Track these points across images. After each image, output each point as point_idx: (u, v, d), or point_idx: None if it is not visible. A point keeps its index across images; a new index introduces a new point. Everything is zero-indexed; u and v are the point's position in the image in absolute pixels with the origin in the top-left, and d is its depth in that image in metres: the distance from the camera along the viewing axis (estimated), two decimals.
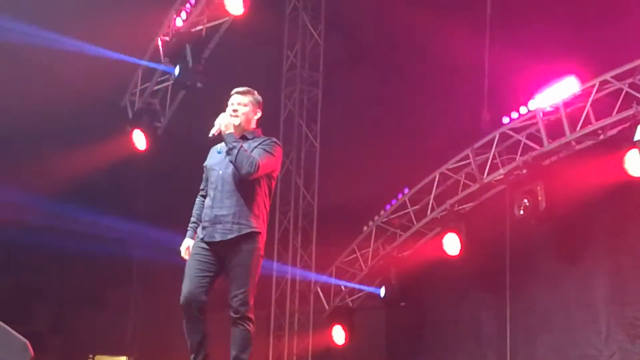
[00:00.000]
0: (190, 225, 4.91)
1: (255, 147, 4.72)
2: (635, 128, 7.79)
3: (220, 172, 4.74)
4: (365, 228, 11.28)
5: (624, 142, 8.15)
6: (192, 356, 4.68)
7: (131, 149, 11.93)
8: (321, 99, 12.14)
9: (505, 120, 9.43)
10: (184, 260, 4.83)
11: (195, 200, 4.98)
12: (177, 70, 10.68)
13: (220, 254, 4.72)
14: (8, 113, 10.34)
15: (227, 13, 10.12)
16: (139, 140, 11.87)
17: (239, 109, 4.80)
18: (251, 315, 4.70)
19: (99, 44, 10.66)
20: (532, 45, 8.90)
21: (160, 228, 10.63)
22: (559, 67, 8.82)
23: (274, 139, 4.93)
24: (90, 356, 14.26)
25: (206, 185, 4.87)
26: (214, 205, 4.74)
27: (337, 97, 12.08)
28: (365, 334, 11.55)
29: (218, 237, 4.67)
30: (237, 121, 4.76)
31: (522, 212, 9.12)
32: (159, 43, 11.53)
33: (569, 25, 8.56)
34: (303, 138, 12.12)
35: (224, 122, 4.69)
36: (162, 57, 11.57)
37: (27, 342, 2.29)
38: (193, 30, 10.74)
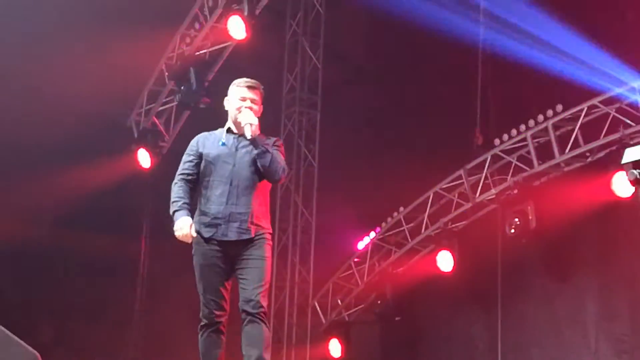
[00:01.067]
0: (182, 204, 4.24)
1: (271, 146, 4.37)
2: (622, 151, 7.80)
3: (235, 166, 4.29)
4: (361, 245, 11.28)
5: (611, 164, 8.19)
6: None
7: (136, 167, 11.98)
8: (319, 120, 12.19)
9: (497, 142, 9.49)
10: (189, 243, 4.24)
11: (177, 183, 4.33)
12: (181, 92, 10.78)
13: (230, 253, 4.29)
14: (17, 134, 10.36)
15: (230, 38, 10.19)
16: (144, 158, 11.93)
17: (254, 107, 4.39)
18: (266, 312, 4.23)
19: (106, 66, 10.71)
20: (524, 69, 8.92)
21: (162, 243, 10.65)
22: (549, 92, 8.88)
23: (280, 140, 4.62)
24: None
25: (196, 173, 4.34)
26: (229, 202, 4.26)
27: (335, 119, 12.10)
28: (360, 348, 11.53)
29: (233, 237, 4.24)
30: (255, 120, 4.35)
31: (513, 230, 9.15)
32: (164, 66, 11.60)
33: (560, 42, 8.56)
34: (302, 158, 12.13)
35: (255, 123, 4.29)
36: (166, 80, 11.64)
37: (37, 353, 2.29)
38: (197, 53, 10.83)
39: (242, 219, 4.24)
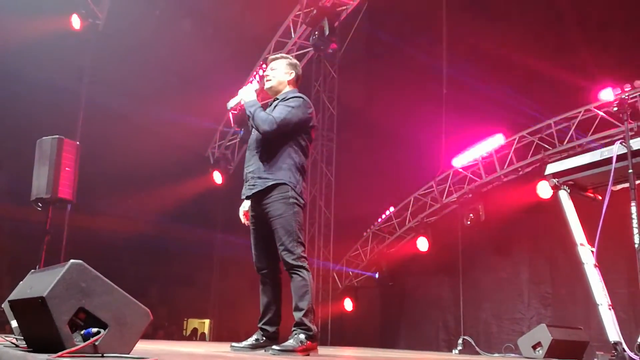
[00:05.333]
0: None
1: (278, 104, 3.55)
2: (544, 167, 7.64)
3: (254, 135, 3.63)
4: (365, 233, 11.19)
5: (536, 176, 8.05)
6: (259, 318, 3.62)
7: (212, 183, 12.00)
8: (335, 149, 12.16)
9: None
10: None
11: None
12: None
13: (256, 211, 3.54)
14: (138, 163, 10.44)
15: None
16: (217, 177, 11.95)
17: (270, 73, 3.71)
18: (301, 263, 3.36)
19: (191, 116, 10.77)
20: (476, 111, 8.83)
21: (231, 234, 10.65)
22: (493, 127, 8.78)
23: (299, 94, 3.62)
24: (185, 319, 14.16)
25: None
26: (246, 164, 3.62)
27: (345, 148, 12.07)
28: (365, 304, 11.41)
29: (247, 193, 3.54)
30: (269, 84, 3.68)
31: (469, 222, 9.03)
32: (230, 115, 11.62)
33: (500, 98, 8.47)
34: (323, 175, 12.11)
35: (244, 91, 3.62)
36: (232, 124, 11.66)
37: (148, 310, 2.22)
38: None
39: (251, 176, 3.53)
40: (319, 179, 12.10)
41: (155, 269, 12.04)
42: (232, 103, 3.70)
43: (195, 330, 13.93)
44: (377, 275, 10.98)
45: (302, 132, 3.56)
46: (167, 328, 12.56)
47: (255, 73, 10.72)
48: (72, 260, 2.18)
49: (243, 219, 3.76)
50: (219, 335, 12.44)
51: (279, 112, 3.48)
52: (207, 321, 14.12)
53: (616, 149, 3.68)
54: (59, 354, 1.89)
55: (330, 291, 11.68)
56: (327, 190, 12.09)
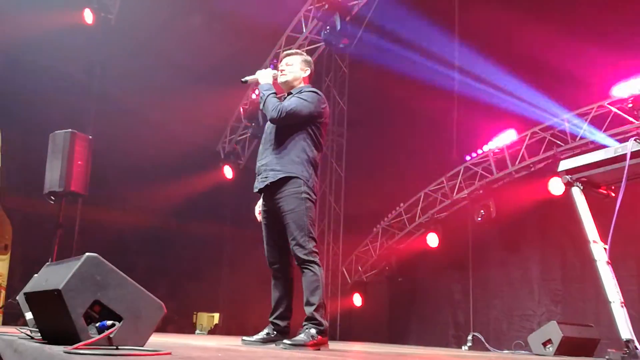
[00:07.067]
0: None
1: (292, 97, 3.55)
2: (556, 163, 7.58)
3: (268, 129, 3.64)
4: (374, 229, 11.18)
5: (548, 172, 8.01)
6: (271, 312, 3.64)
7: (222, 178, 12.03)
8: (345, 145, 12.14)
9: (468, 157, 9.35)
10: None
11: None
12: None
13: (268, 205, 3.55)
14: (149, 158, 10.48)
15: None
16: (228, 172, 11.98)
17: (286, 68, 3.70)
18: (313, 258, 3.36)
19: (203, 112, 10.80)
20: (487, 107, 8.78)
21: (241, 229, 10.69)
22: (504, 122, 8.73)
23: (313, 88, 3.60)
24: (195, 313, 14.23)
25: None
26: (259, 158, 3.62)
27: (355, 144, 12.04)
28: (375, 299, 11.41)
29: (259, 186, 3.54)
30: (284, 79, 3.67)
31: (479, 218, 9.00)
32: (241, 110, 11.63)
33: (512, 93, 8.42)
34: (333, 170, 12.10)
35: (262, 73, 3.62)
36: (242, 119, 11.67)
37: (162, 302, 2.24)
38: None
39: (263, 169, 3.53)
40: (329, 174, 12.10)
41: (165, 262, 12.09)
42: (247, 78, 3.68)
43: (217, 326, 14.02)
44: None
45: (315, 126, 3.56)
46: (177, 322, 12.62)
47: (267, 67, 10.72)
48: (87, 253, 2.20)
49: (259, 217, 3.74)
50: (228, 329, 12.49)
51: (291, 102, 3.49)
52: (216, 315, 14.19)
53: (630, 146, 3.65)
54: (75, 346, 1.91)
55: (339, 286, 11.70)
56: (336, 186, 12.09)
